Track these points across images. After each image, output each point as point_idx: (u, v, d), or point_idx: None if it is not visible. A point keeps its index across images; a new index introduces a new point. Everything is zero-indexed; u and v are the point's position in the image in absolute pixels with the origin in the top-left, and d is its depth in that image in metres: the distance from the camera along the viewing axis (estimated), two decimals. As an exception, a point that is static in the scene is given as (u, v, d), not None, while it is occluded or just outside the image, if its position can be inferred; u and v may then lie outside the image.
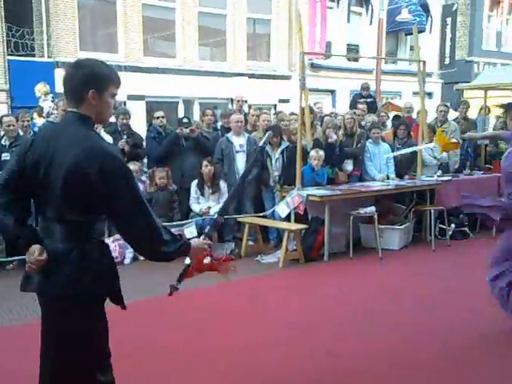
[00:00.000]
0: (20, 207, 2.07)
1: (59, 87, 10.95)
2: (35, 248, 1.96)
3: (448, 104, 9.06)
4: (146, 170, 6.83)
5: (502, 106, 8.13)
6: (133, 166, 6.31)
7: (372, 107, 9.28)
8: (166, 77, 12.27)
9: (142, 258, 5.27)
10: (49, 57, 11.38)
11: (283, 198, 6.25)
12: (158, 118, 7.10)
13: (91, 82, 2.04)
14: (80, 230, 2.01)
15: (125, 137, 6.56)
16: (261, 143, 3.12)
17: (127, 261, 5.88)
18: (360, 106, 8.67)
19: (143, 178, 6.55)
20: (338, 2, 16.00)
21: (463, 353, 3.53)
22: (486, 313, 4.22)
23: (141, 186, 6.49)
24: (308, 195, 5.96)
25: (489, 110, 9.73)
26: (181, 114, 12.49)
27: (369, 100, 9.45)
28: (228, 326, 4.04)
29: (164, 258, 2.09)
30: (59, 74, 11.20)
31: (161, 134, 6.90)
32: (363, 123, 7.94)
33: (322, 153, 6.48)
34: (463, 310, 4.34)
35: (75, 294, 1.97)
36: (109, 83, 2.10)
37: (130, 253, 5.83)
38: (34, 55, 11.49)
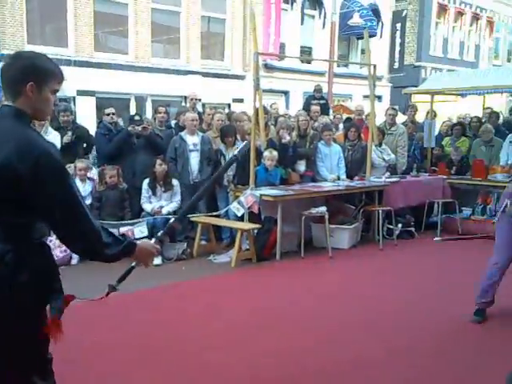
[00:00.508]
0: None
1: (4, 81, 10.54)
2: None
3: (396, 107, 9.35)
4: (94, 167, 6.70)
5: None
6: (80, 164, 6.18)
7: (324, 109, 9.45)
8: (117, 73, 12.05)
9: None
10: (-5, 49, 10.94)
11: (237, 197, 6.27)
12: (108, 114, 6.97)
13: (30, 74, 1.91)
14: (18, 230, 1.90)
15: (69, 132, 6.41)
16: (236, 152, 3.02)
17: (74, 261, 5.73)
18: (314, 107, 8.80)
19: (90, 174, 6.39)
20: (292, 5, 16.18)
21: (408, 351, 3.65)
22: (426, 308, 4.39)
23: (90, 184, 6.36)
24: (261, 195, 6.00)
25: (435, 114, 10.08)
26: (132, 111, 12.29)
27: (321, 102, 9.62)
28: (178, 327, 4.01)
29: (107, 260, 2.00)
30: (4, 67, 10.79)
31: (111, 131, 6.77)
32: (316, 124, 8.06)
33: (275, 153, 6.54)
34: (410, 307, 4.49)
35: (11, 296, 1.86)
36: (50, 77, 1.97)
37: (77, 253, 5.67)
38: (-22, 47, 11.01)
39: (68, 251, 5.62)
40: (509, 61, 24.27)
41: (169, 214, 6.13)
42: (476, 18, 22.45)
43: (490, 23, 23.39)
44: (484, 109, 11.68)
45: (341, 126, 9.22)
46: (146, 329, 3.92)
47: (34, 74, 1.93)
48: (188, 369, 3.29)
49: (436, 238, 7.12)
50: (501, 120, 10.24)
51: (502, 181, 7.84)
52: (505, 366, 2.82)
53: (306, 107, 9.54)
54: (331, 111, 10.59)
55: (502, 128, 9.18)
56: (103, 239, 1.93)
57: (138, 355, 3.46)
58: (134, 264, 2.17)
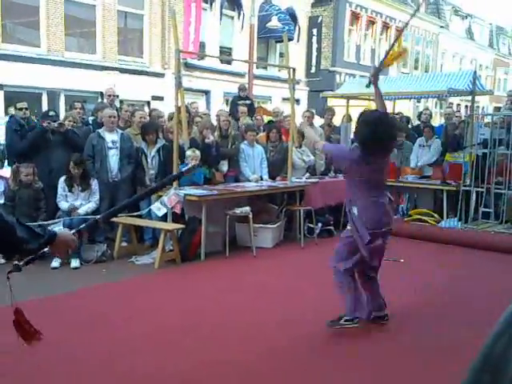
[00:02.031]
0: None
1: None
2: None
3: (313, 110, 9.61)
4: (4, 164, 6.29)
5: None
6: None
7: (251, 109, 9.47)
8: (28, 66, 11.38)
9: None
10: None
11: (159, 197, 6.13)
12: (20, 109, 6.56)
13: None
14: None
15: None
16: (183, 169, 2.94)
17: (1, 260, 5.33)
18: (241, 108, 8.82)
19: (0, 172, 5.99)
20: (211, 4, 16.15)
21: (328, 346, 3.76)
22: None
23: (1, 183, 5.95)
24: (185, 195, 5.92)
25: (350, 118, 10.48)
26: (44, 106, 11.67)
27: (248, 102, 9.63)
28: (99, 331, 3.85)
29: (29, 255, 1.96)
30: None
31: (23, 127, 6.38)
32: (239, 125, 8.09)
33: (198, 152, 6.48)
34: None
35: None
36: None
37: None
38: None
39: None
40: (416, 68, 25.80)
41: (87, 214, 5.86)
42: (386, 26, 23.63)
43: (399, 32, 24.71)
44: (394, 114, 12.31)
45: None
46: (66, 334, 3.72)
47: None
48: (113, 372, 3.16)
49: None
50: (410, 124, 10.86)
51: (412, 182, 8.34)
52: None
53: (233, 107, 9.53)
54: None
55: (411, 132, 9.73)
56: (20, 235, 1.87)
57: (61, 360, 3.28)
58: (47, 250, 2.05)
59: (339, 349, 3.69)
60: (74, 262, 5.62)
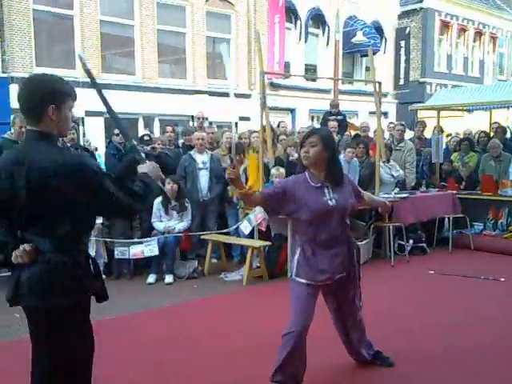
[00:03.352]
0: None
1: (14, 103, 10.66)
2: (24, 245, 2.00)
3: (404, 123, 9.36)
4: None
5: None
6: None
7: (343, 125, 9.38)
8: (125, 93, 12.16)
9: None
10: (3, 72, 11.09)
11: (246, 214, 6.25)
12: (117, 134, 7.00)
13: (50, 97, 2.03)
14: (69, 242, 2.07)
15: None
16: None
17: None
18: (331, 123, 8.79)
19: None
20: (295, 24, 16.37)
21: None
22: (456, 322, 4.33)
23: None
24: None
25: (442, 130, 10.09)
26: (141, 130, 12.37)
27: (339, 117, 9.55)
28: (189, 345, 3.97)
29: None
30: (14, 90, 10.91)
31: (120, 151, 6.80)
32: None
33: (282, 170, 6.54)
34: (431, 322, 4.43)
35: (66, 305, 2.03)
36: (67, 97, 2.11)
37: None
38: (-12, 70, 11.17)
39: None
40: (514, 75, 24.38)
41: (179, 232, 6.11)
42: (479, 33, 22.59)
43: (493, 39, 23.53)
44: (491, 124, 11.67)
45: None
46: (159, 346, 3.89)
47: (54, 97, 2.04)
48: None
49: (430, 271, 6.31)
50: (508, 134, 10.22)
51: (512, 195, 7.81)
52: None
53: (324, 124, 9.51)
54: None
55: (509, 142, 9.15)
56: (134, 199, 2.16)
57: (153, 371, 3.43)
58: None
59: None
60: (169, 278, 5.88)
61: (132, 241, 6.06)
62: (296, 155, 7.01)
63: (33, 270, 2.00)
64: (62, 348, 2.06)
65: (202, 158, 6.64)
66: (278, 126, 9.22)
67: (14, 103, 10.55)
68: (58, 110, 2.06)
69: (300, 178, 3.08)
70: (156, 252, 5.90)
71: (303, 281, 3.05)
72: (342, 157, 7.31)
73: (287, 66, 15.91)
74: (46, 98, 2.03)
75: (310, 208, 2.97)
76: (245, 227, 6.18)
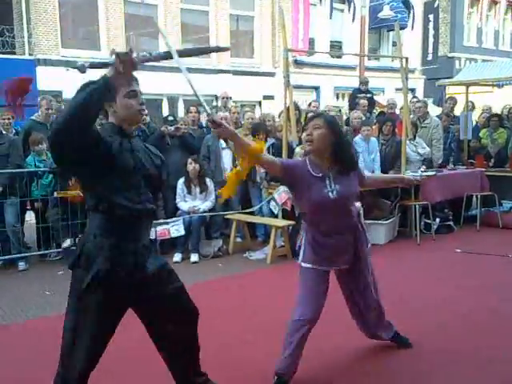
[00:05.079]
0: None
1: (41, 85, 10.83)
2: None
3: (425, 100, 9.14)
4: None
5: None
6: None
7: (370, 103, 9.22)
8: (149, 74, 12.15)
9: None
10: (30, 54, 11.25)
11: (270, 194, 6.26)
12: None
13: None
14: None
15: None
16: None
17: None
18: (362, 101, 8.67)
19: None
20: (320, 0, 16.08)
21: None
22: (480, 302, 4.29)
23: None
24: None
25: (473, 106, 9.85)
26: (165, 111, 12.43)
27: (368, 95, 9.40)
28: (215, 322, 4.03)
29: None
30: (41, 72, 11.07)
31: (144, 132, 6.85)
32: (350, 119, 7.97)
33: (307, 149, 6.50)
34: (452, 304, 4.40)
35: None
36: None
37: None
38: (14, 53, 11.34)
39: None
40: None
41: (204, 212, 6.17)
42: (511, 6, 21.81)
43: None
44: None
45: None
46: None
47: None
48: (223, 363, 3.31)
49: (457, 250, 6.27)
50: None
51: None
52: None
53: (353, 101, 9.39)
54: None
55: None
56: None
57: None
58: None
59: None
60: (194, 257, 5.96)
61: (158, 222, 6.14)
62: (320, 133, 6.95)
63: None
64: None
65: (225, 138, 6.64)
66: (310, 105, 9.12)
67: (41, 85, 10.76)
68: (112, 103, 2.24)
69: (302, 164, 2.88)
70: (182, 232, 5.97)
71: (309, 266, 3.00)
72: (359, 136, 7.23)
73: (312, 42, 15.69)
74: None
75: (309, 200, 2.84)
76: (274, 207, 6.19)
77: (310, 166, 2.85)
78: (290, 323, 3.01)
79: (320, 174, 2.84)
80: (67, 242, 5.88)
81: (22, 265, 5.69)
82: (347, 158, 2.90)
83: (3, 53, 10.98)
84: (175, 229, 6.03)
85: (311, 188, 2.82)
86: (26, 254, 5.85)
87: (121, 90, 2.15)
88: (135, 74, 2.19)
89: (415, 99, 9.70)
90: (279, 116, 7.42)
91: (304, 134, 2.87)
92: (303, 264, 3.02)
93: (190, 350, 2.57)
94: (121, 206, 2.16)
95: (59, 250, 5.98)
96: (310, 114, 7.93)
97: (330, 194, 2.83)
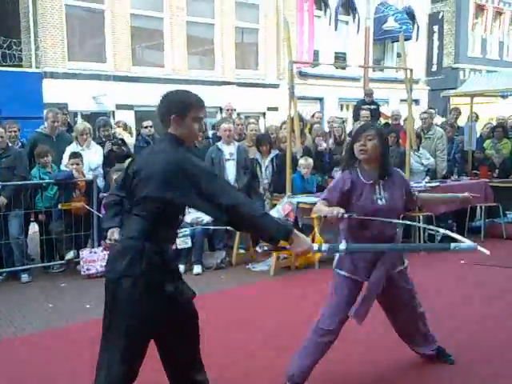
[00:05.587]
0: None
1: (47, 98, 10.94)
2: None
3: (431, 111, 9.15)
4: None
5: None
6: (115, 175, 6.20)
7: (375, 114, 9.20)
8: (154, 86, 12.28)
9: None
10: (36, 67, 11.37)
11: (274, 205, 6.27)
12: (146, 127, 7.13)
13: (172, 108, 2.32)
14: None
15: (109, 144, 6.61)
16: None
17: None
18: (363, 112, 8.67)
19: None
20: (325, 11, 16.18)
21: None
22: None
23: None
24: (298, 203, 5.98)
25: (477, 117, 9.85)
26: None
27: (372, 107, 9.38)
28: (218, 335, 4.02)
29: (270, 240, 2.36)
30: (47, 84, 11.18)
31: (149, 144, 6.91)
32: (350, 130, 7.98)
33: (310, 160, 6.52)
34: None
35: None
36: (189, 108, 2.33)
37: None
38: (21, 66, 11.47)
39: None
40: None
41: (207, 224, 6.16)
42: (516, 16, 21.88)
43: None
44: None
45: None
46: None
47: (176, 108, 2.33)
48: (229, 376, 3.30)
49: (462, 261, 6.20)
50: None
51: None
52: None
53: (356, 113, 9.38)
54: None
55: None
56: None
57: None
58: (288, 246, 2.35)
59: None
60: (197, 269, 5.95)
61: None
62: (324, 145, 6.97)
63: None
64: None
65: (229, 150, 6.66)
66: (313, 116, 9.15)
67: (47, 98, 10.87)
68: (181, 119, 2.33)
69: (352, 175, 2.98)
70: (189, 244, 5.89)
71: (343, 273, 3.03)
72: None
73: (316, 54, 15.77)
74: (170, 108, 2.33)
75: (358, 205, 2.91)
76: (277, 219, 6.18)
77: (361, 174, 2.97)
78: (313, 329, 3.06)
79: (370, 181, 2.96)
80: (70, 254, 5.90)
81: (25, 277, 5.69)
82: (389, 166, 3.03)
83: (10, 66, 11.12)
84: (182, 240, 5.99)
85: (362, 195, 2.93)
86: (30, 266, 5.86)
87: (192, 112, 2.34)
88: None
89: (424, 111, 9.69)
90: (281, 127, 7.45)
91: (358, 144, 2.96)
92: (340, 271, 3.06)
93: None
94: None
95: (62, 262, 6.00)
96: (316, 126, 8.05)
97: (379, 200, 2.94)
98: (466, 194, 3.36)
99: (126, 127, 8.44)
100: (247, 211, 2.23)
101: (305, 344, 3.09)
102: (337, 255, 3.09)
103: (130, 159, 2.80)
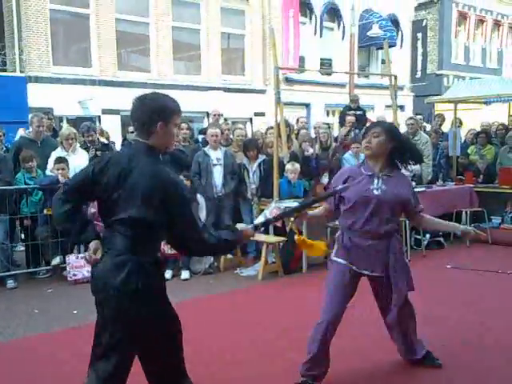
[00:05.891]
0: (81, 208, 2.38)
1: (31, 102, 10.83)
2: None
3: (416, 117, 9.24)
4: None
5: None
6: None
7: (361, 120, 9.24)
8: (140, 91, 12.13)
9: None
10: (21, 71, 11.25)
11: (261, 210, 6.25)
12: (132, 132, 7.07)
13: (159, 115, 2.22)
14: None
15: (93, 149, 6.57)
16: (338, 188, 3.03)
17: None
18: (348, 117, 8.71)
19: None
20: (310, 18, 16.29)
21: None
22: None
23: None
24: (286, 207, 5.97)
25: (460, 123, 9.97)
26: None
27: (358, 113, 9.41)
28: (204, 341, 4.00)
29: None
30: (31, 89, 11.08)
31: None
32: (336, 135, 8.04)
33: (297, 166, 6.54)
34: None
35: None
36: (173, 114, 2.27)
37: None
38: (5, 70, 11.35)
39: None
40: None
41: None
42: (497, 24, 22.22)
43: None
44: (510, 116, 11.50)
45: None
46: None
47: (162, 115, 2.22)
48: (216, 382, 3.28)
49: (448, 266, 6.32)
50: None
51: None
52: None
53: (342, 118, 9.42)
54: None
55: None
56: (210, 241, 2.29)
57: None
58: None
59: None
60: (185, 274, 5.92)
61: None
62: (311, 150, 7.00)
63: None
64: None
65: (216, 154, 6.65)
66: (298, 121, 9.18)
67: (32, 102, 10.76)
68: (165, 127, 2.24)
69: (354, 168, 3.21)
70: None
71: (341, 260, 3.07)
72: (349, 153, 7.28)
73: (302, 60, 15.85)
74: (156, 115, 2.22)
75: (352, 192, 2.97)
76: (258, 221, 6.17)
77: (363, 167, 3.09)
78: (314, 326, 3.10)
79: (370, 173, 3.03)
80: (57, 260, 5.83)
81: (10, 283, 5.61)
82: (411, 155, 3.10)
83: (-6, 70, 11.00)
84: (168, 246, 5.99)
85: (359, 183, 3.00)
86: (15, 272, 5.79)
87: (175, 119, 2.28)
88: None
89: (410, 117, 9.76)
90: (266, 132, 7.48)
91: (364, 141, 3.06)
92: (335, 258, 3.11)
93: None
94: None
95: (48, 267, 5.93)
96: (302, 131, 8.08)
97: (375, 190, 2.98)
98: (470, 228, 3.31)
99: (102, 132, 8.38)
100: (206, 246, 2.31)
101: (308, 342, 3.12)
102: (335, 247, 3.17)
103: (94, 160, 2.64)
